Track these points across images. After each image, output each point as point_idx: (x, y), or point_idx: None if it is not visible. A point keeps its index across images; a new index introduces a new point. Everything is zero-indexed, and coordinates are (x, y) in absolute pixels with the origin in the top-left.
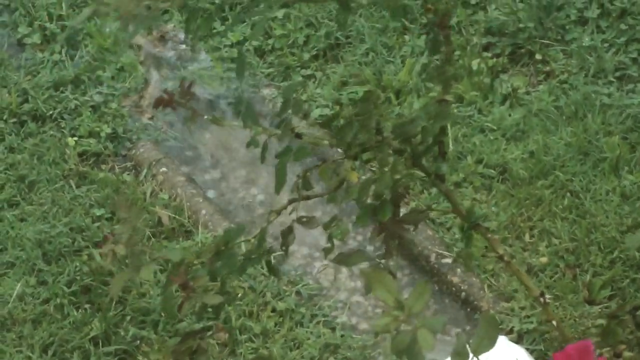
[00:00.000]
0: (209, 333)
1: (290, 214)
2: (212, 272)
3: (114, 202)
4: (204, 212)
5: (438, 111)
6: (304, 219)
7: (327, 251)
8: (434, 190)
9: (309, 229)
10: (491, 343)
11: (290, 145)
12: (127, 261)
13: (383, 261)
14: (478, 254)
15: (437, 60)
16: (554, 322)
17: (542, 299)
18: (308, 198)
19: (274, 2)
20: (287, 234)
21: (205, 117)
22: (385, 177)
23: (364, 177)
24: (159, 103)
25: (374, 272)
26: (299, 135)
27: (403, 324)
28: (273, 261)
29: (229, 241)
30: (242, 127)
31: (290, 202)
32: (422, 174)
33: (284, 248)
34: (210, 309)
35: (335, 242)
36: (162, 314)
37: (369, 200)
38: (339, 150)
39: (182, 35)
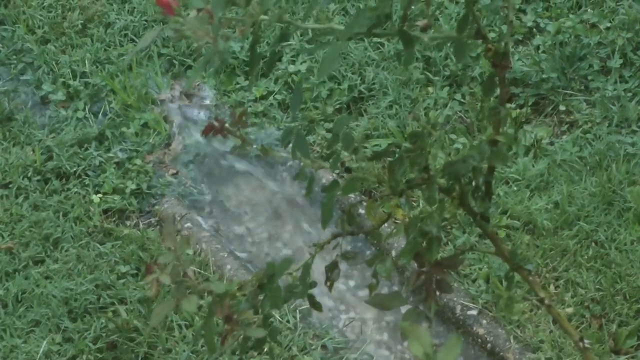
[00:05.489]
0: None
1: (333, 248)
2: (255, 305)
3: (163, 236)
4: (229, 267)
5: (492, 151)
6: (349, 255)
7: (371, 288)
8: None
9: (353, 266)
10: None
11: (336, 180)
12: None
13: (420, 306)
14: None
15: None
16: None
17: (581, 344)
18: (352, 233)
19: (342, 36)
20: (332, 269)
21: (255, 146)
22: (434, 215)
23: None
24: (209, 130)
25: (411, 326)
26: (348, 170)
27: None
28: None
29: (273, 274)
30: (290, 157)
31: (335, 236)
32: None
33: (328, 284)
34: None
35: (358, 291)
36: None
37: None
38: (381, 187)
39: (205, 92)
